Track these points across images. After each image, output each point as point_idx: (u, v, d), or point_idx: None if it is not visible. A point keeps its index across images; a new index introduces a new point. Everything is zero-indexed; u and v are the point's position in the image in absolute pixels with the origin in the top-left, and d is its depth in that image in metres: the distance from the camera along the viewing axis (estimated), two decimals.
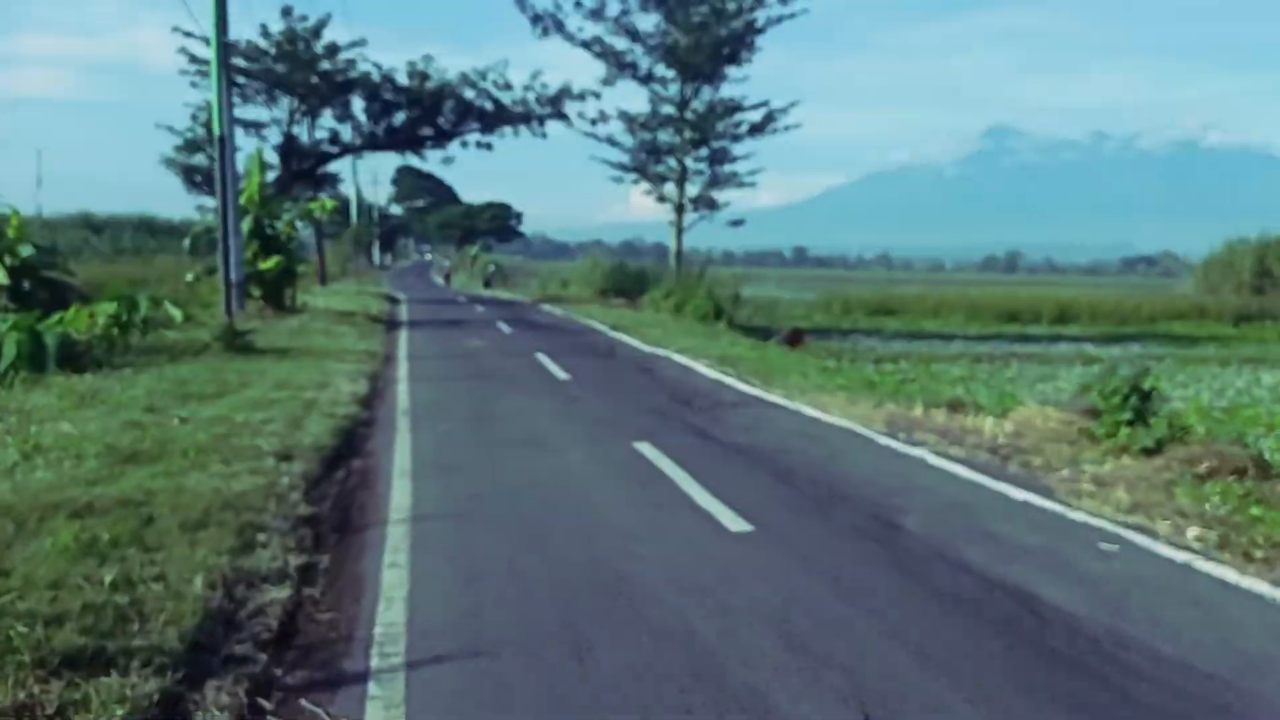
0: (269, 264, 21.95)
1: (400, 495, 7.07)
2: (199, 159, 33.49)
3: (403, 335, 21.32)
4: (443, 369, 15.37)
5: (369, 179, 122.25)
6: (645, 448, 9.02)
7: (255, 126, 35.03)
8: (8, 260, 20.30)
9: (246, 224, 22.04)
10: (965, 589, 5.34)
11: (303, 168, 36.19)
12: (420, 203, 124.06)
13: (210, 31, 15.61)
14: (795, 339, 28.51)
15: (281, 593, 4.90)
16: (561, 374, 14.94)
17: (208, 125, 26.49)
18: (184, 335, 15.54)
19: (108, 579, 4.58)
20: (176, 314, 17.92)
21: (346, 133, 38.11)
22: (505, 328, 24.22)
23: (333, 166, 40.62)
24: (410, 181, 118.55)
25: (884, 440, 9.89)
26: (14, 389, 10.70)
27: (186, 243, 22.33)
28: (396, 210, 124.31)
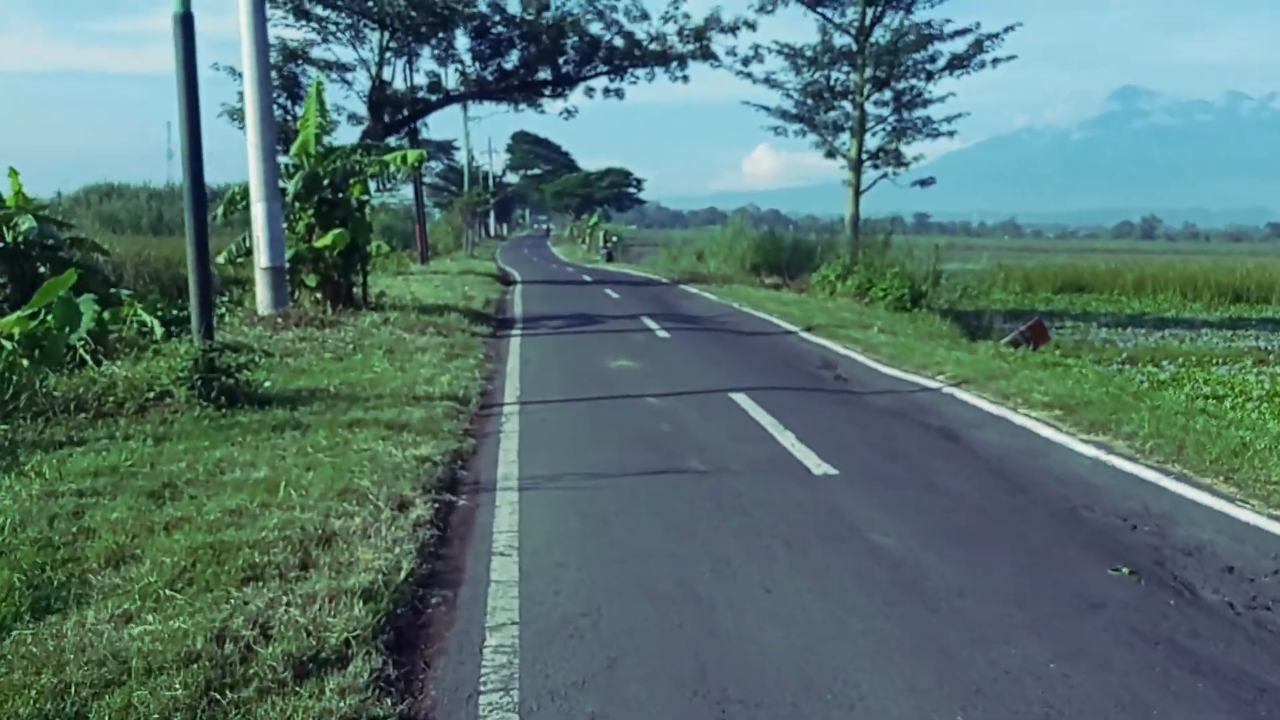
0: (326, 240, 15.27)
1: None
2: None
3: (513, 349, 14.35)
4: (583, 443, 8.28)
5: (482, 145, 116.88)
6: None
7: (339, 69, 28.59)
8: (8, 235, 14.44)
9: (293, 184, 15.42)
10: None
11: (396, 119, 29.62)
12: (536, 170, 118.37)
13: None
14: (1040, 335, 20.78)
15: None
16: (808, 456, 7.70)
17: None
18: (142, 370, 8.85)
19: None
20: (156, 325, 11.40)
21: (450, 78, 31.50)
22: (656, 328, 17.09)
23: (443, 131, 34.22)
24: (526, 147, 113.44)
25: None
26: None
27: (217, 214, 15.85)
28: (512, 179, 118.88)
